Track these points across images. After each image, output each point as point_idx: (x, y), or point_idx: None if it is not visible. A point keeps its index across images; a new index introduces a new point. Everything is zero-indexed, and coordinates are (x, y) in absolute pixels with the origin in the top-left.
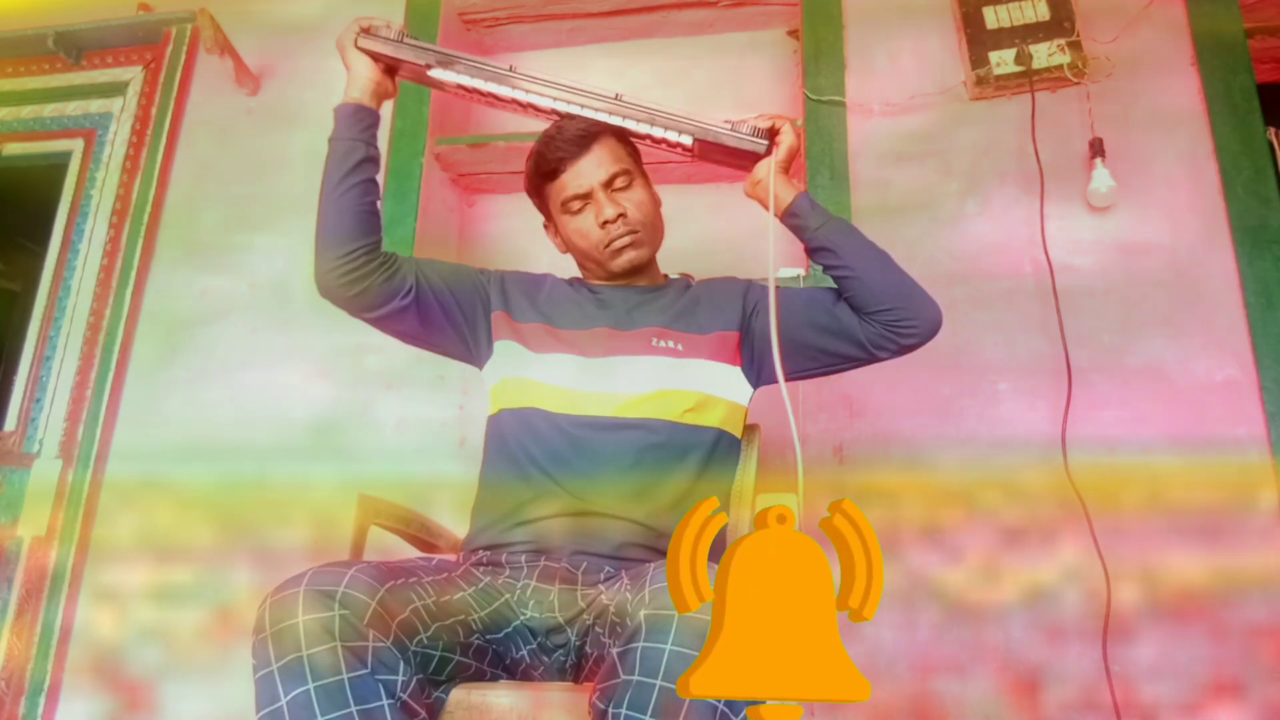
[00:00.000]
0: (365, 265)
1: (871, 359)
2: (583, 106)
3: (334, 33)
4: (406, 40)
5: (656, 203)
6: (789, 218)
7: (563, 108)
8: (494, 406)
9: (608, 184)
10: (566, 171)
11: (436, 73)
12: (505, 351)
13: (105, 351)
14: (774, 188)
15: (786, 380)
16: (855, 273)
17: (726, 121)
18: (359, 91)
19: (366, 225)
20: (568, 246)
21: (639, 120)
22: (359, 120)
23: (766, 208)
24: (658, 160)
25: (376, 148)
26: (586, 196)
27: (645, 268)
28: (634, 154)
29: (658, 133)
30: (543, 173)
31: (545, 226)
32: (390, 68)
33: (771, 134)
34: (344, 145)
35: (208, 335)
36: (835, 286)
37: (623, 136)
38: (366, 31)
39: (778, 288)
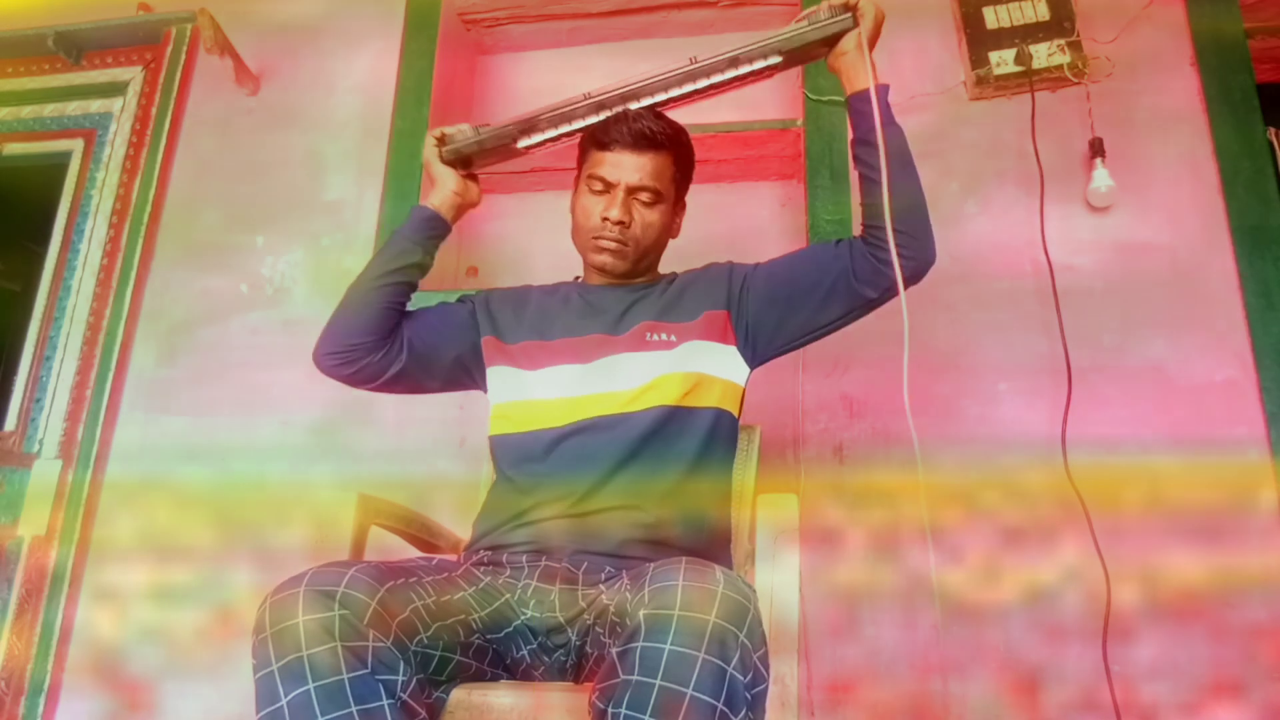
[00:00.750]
0: (367, 355)
1: (862, 303)
2: (667, 87)
3: (334, 33)
4: (483, 130)
5: (665, 231)
6: (858, 100)
7: (649, 101)
8: (493, 429)
9: (633, 190)
10: (611, 153)
11: (524, 142)
12: (499, 376)
13: (105, 351)
14: (868, 61)
15: (781, 353)
16: (886, 180)
17: (801, 18)
18: (440, 200)
19: (385, 323)
20: (571, 209)
21: (724, 70)
22: (430, 228)
23: (845, 82)
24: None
25: (432, 258)
26: (610, 186)
27: (623, 275)
28: (680, 180)
29: (744, 70)
30: (596, 139)
31: (575, 180)
32: (470, 173)
33: (850, 8)
34: (404, 244)
35: (208, 335)
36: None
37: (682, 160)
38: (443, 140)
39: (759, 264)
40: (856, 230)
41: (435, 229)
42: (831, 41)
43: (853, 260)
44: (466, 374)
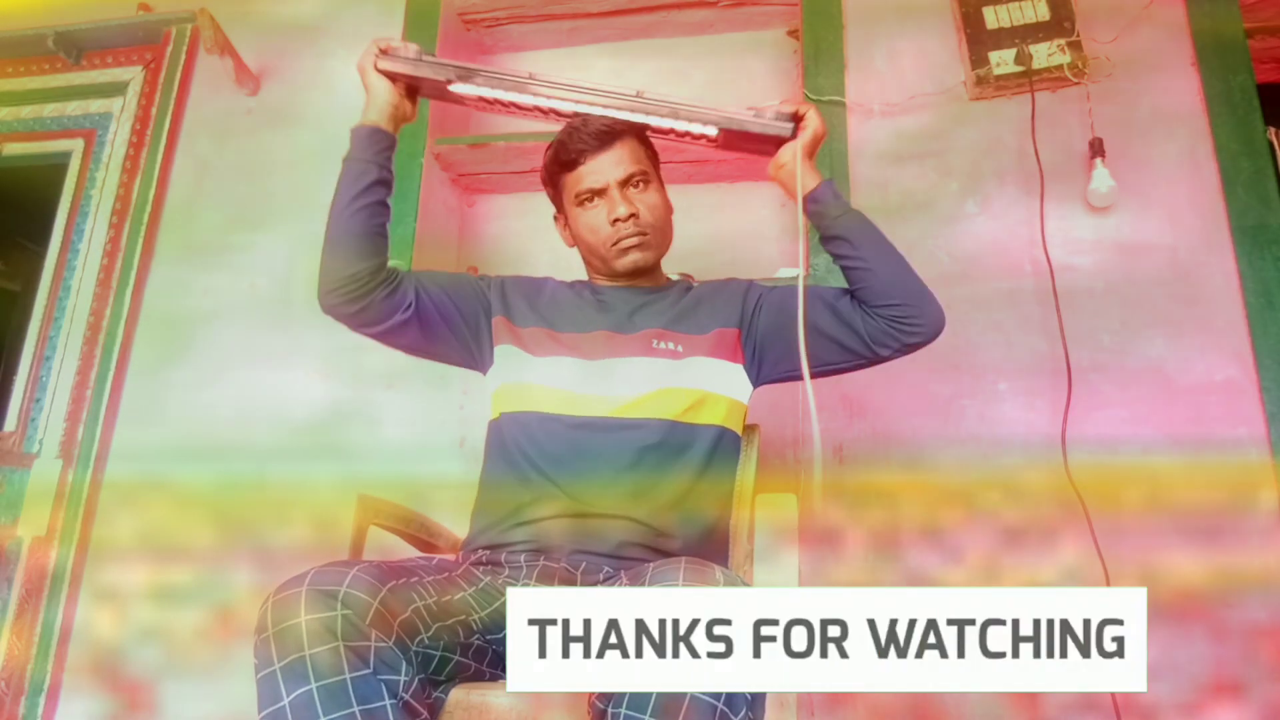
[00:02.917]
0: (368, 285)
1: (873, 358)
2: (605, 106)
3: (334, 33)
4: (425, 59)
5: (668, 209)
6: (810, 204)
7: (585, 110)
8: (494, 411)
9: (624, 183)
10: (585, 164)
11: (458, 87)
12: (505, 356)
13: (105, 351)
14: (800, 172)
15: (785, 380)
16: (868, 265)
17: (750, 109)
18: (377, 114)
19: (373, 247)
20: (575, 240)
21: (663, 115)
22: (374, 142)
23: (789, 192)
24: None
25: (390, 171)
26: (601, 192)
27: (649, 270)
28: (653, 157)
29: (681, 126)
30: (561, 162)
31: (555, 218)
32: (410, 88)
33: (796, 119)
34: (357, 166)
35: (208, 335)
36: (835, 287)
37: (644, 138)
38: (385, 53)
39: (779, 288)
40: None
41: (381, 141)
42: (775, 146)
43: (864, 322)
44: (475, 343)
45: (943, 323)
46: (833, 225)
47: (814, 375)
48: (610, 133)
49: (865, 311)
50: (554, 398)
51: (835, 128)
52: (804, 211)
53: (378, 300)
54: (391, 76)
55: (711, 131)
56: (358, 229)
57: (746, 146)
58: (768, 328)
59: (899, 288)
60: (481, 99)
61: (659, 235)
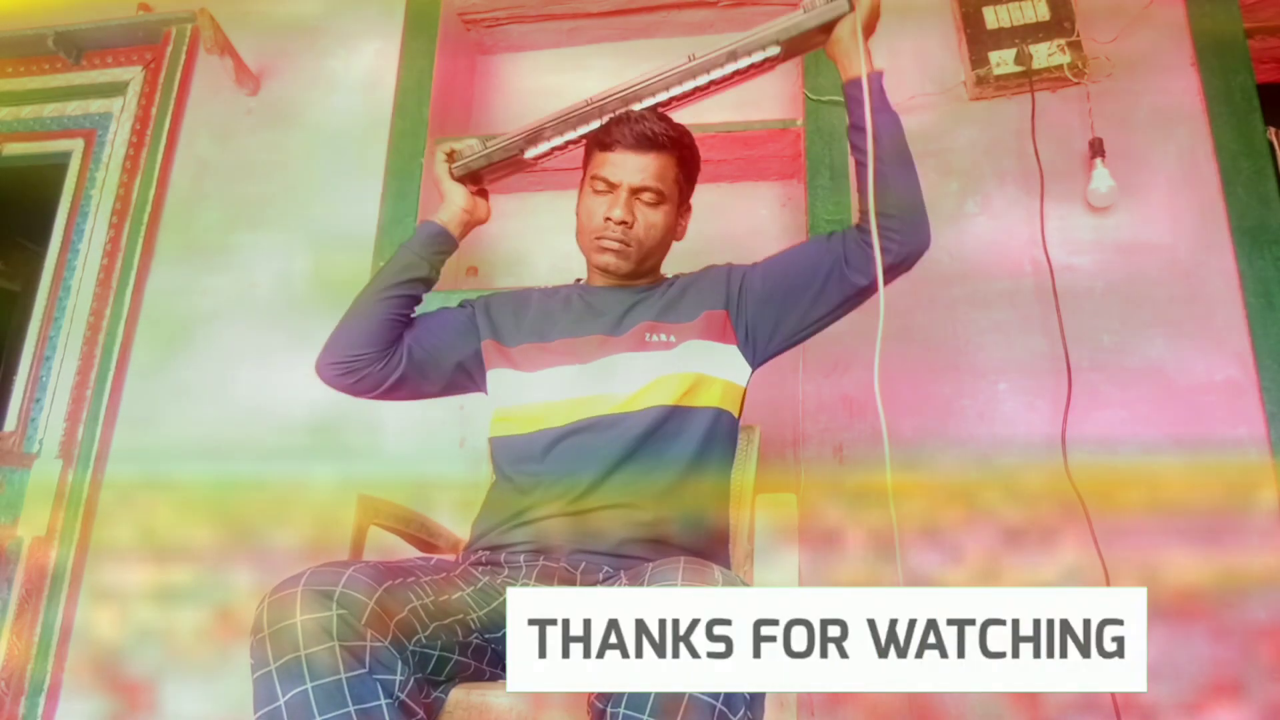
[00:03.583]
0: (369, 365)
1: (854, 291)
2: (667, 87)
3: (334, 33)
4: (490, 143)
5: (671, 233)
6: (853, 88)
7: (650, 101)
8: (493, 431)
9: (636, 190)
10: (614, 153)
11: (531, 152)
12: (499, 380)
13: (105, 351)
14: (862, 48)
15: (782, 349)
16: (883, 165)
17: (797, 7)
18: (449, 217)
19: (388, 336)
20: (576, 211)
21: (723, 65)
22: (436, 244)
23: (841, 69)
24: None
25: (438, 273)
26: (613, 186)
27: (628, 275)
28: (684, 182)
29: (744, 63)
30: (599, 140)
31: (580, 181)
32: (480, 189)
33: None
34: (409, 258)
35: (208, 335)
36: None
37: (685, 160)
38: (452, 156)
39: (756, 263)
40: (855, 220)
41: (442, 245)
42: (828, 28)
43: (845, 248)
44: (467, 377)
45: (926, 244)
46: (864, 118)
47: (815, 330)
48: (650, 141)
49: (849, 238)
50: (551, 411)
51: (835, 128)
52: (849, 96)
53: (373, 373)
54: (467, 178)
55: (774, 51)
56: (382, 314)
57: (809, 45)
58: (756, 302)
59: (900, 197)
60: (555, 150)
61: (641, 251)
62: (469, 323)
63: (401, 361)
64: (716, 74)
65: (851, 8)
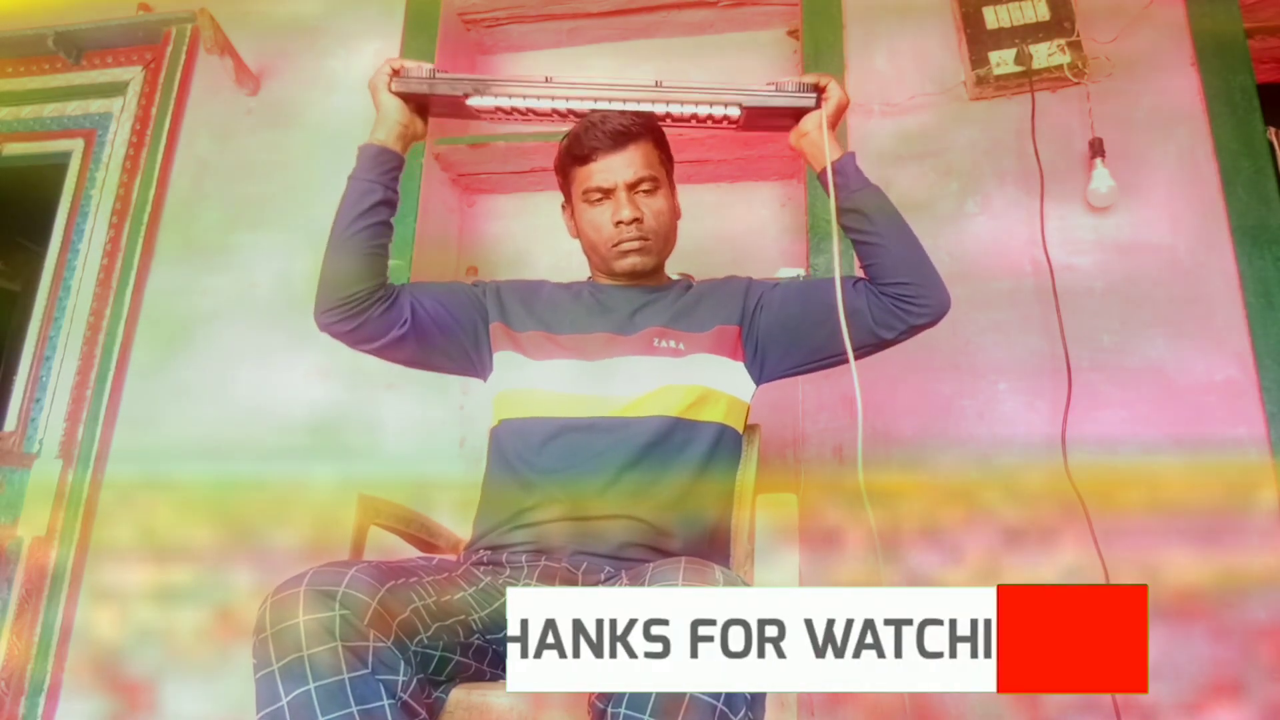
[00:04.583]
0: (365, 304)
1: (876, 342)
2: (625, 100)
3: (334, 33)
4: (439, 76)
5: (675, 214)
6: (825, 176)
7: (605, 107)
8: (495, 417)
9: (633, 185)
10: (596, 162)
11: (474, 101)
12: (505, 362)
13: (105, 351)
14: (826, 141)
15: (789, 376)
16: (882, 240)
17: (769, 83)
18: (386, 134)
19: (372, 268)
20: (578, 233)
21: (684, 103)
22: (381, 162)
23: (810, 161)
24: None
25: (396, 191)
26: (609, 192)
27: (649, 273)
28: (667, 162)
29: (703, 111)
30: (574, 155)
31: (563, 207)
32: (421, 107)
33: (818, 89)
34: (362, 185)
35: (208, 335)
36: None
37: (660, 142)
38: (397, 73)
39: (780, 285)
40: (858, 271)
41: (388, 161)
42: (795, 118)
43: (869, 303)
44: (474, 351)
45: (948, 305)
46: (852, 198)
47: (819, 367)
48: (625, 134)
49: (871, 292)
50: (554, 401)
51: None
52: (824, 183)
53: (374, 317)
54: (405, 97)
55: (734, 112)
56: (358, 249)
57: (769, 123)
58: (770, 325)
59: (909, 266)
60: (499, 109)
61: (660, 241)
62: (478, 299)
63: (406, 317)
64: (674, 109)
65: (819, 104)
